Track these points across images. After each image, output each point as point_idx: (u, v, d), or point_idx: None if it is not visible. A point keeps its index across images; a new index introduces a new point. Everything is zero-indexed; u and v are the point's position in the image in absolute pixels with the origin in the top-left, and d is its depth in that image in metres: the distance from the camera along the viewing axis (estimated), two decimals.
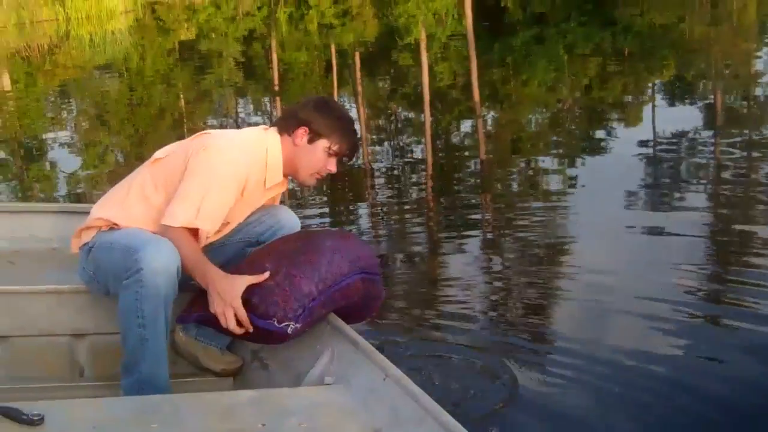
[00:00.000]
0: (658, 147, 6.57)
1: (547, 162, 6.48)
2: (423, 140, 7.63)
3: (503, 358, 3.23)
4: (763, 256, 4.13)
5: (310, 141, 2.68)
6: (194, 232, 2.56)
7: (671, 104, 8.39)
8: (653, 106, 8.29)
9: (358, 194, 5.95)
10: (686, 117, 7.46)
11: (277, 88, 11.79)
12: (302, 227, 2.93)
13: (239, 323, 2.46)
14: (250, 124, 8.74)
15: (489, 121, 8.50)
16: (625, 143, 6.60)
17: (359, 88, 10.81)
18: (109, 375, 2.69)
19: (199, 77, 12.85)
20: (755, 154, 6.11)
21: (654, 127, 7.26)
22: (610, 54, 11.84)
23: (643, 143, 6.59)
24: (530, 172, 6.28)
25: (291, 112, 2.76)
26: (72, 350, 2.78)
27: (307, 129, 2.67)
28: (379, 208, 5.58)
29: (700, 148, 6.46)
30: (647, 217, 4.91)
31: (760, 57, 10.55)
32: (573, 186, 5.72)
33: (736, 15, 15.04)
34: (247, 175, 2.63)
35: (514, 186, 6.03)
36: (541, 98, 9.36)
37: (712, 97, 8.58)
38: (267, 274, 2.47)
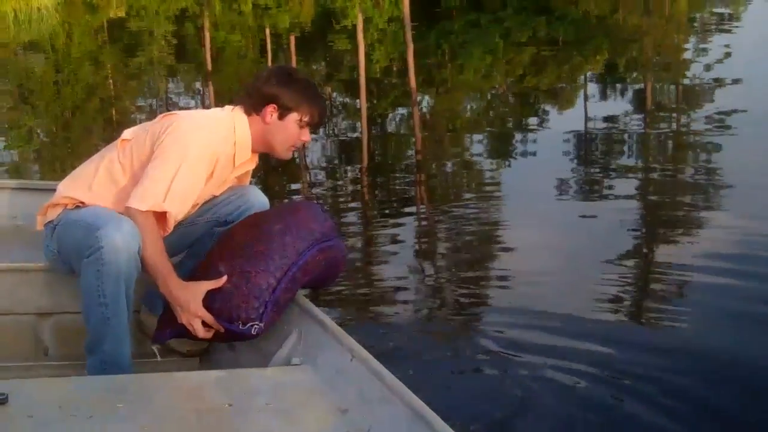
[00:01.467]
0: (590, 134, 6.65)
1: (481, 148, 6.52)
2: (359, 126, 7.55)
3: (441, 341, 3.27)
4: (693, 242, 4.20)
5: (281, 117, 2.64)
6: (162, 216, 2.51)
7: (603, 92, 8.49)
8: (585, 94, 8.37)
9: (293, 182, 5.84)
10: (618, 104, 7.60)
11: (209, 69, 11.55)
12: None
13: (209, 328, 2.46)
14: (181, 107, 8.57)
15: (425, 107, 8.46)
16: (558, 129, 6.68)
17: None
18: (74, 354, 2.64)
19: (129, 57, 12.52)
20: (683, 140, 6.25)
21: (586, 114, 7.34)
22: (545, 42, 11.92)
23: (575, 130, 6.67)
24: (465, 159, 6.28)
25: (254, 90, 2.68)
26: (36, 329, 2.74)
27: (275, 106, 2.63)
28: (315, 197, 5.48)
29: (631, 134, 6.56)
30: (579, 203, 4.99)
31: (689, 47, 10.75)
32: (507, 173, 5.77)
33: (668, 6, 15.32)
34: (217, 155, 2.59)
35: (450, 173, 6.01)
36: (477, 85, 9.37)
37: (643, 85, 8.70)
38: (224, 278, 2.45)
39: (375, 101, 8.72)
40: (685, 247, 4.14)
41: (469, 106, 8.44)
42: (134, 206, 2.47)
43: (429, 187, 5.57)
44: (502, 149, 6.43)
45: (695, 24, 13.10)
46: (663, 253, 4.14)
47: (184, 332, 2.53)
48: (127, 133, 2.66)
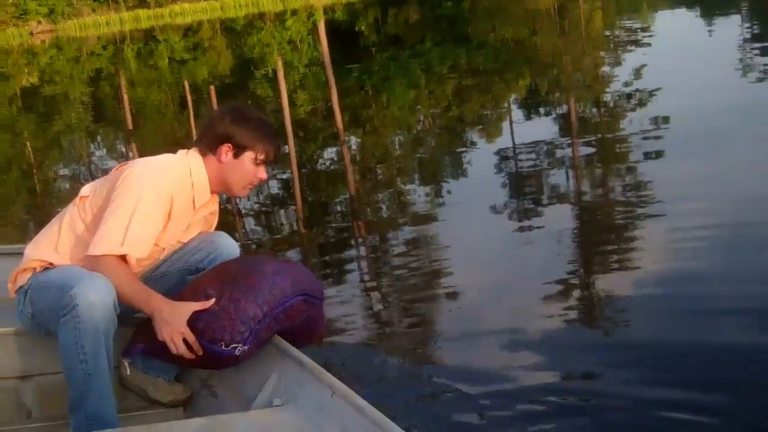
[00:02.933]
0: (519, 158, 6.64)
1: (413, 180, 6.48)
2: (289, 171, 7.41)
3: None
4: (627, 257, 4.24)
5: (236, 156, 2.68)
6: (124, 260, 2.53)
7: (528, 116, 8.52)
8: (510, 120, 8.40)
9: (226, 228, 5.63)
10: (543, 127, 7.61)
11: (130, 128, 11.30)
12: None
13: (188, 348, 2.46)
14: (105, 170, 8.33)
15: (354, 146, 8.38)
16: (487, 157, 6.67)
17: None
18: (57, 415, 2.66)
19: (46, 124, 12.19)
20: (610, 157, 6.29)
21: (513, 140, 7.34)
22: (466, 71, 12.00)
23: (503, 156, 6.68)
24: (398, 192, 6.22)
25: (208, 130, 2.71)
26: (18, 393, 2.76)
27: (230, 145, 2.66)
28: (250, 248, 5.31)
29: (559, 155, 6.56)
30: (513, 226, 5.00)
31: (609, 63, 10.94)
32: (440, 202, 5.78)
33: (583, 25, 15.65)
34: (171, 195, 2.60)
35: (385, 210, 5.93)
36: (403, 119, 9.34)
37: (566, 106, 8.77)
38: (212, 301, 2.47)
39: (303, 144, 8.60)
40: (622, 258, 4.19)
41: (397, 141, 8.38)
42: (93, 253, 2.50)
43: (366, 227, 5.49)
44: (433, 180, 6.41)
45: (613, 39, 13.37)
46: (600, 266, 4.19)
47: (157, 351, 2.55)
48: (84, 190, 2.71)
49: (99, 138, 11.27)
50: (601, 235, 4.65)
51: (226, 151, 2.66)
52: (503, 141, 7.44)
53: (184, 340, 2.45)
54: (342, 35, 17.87)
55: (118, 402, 2.54)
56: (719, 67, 8.79)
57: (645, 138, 6.43)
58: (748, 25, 12.54)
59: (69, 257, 2.63)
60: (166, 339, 2.45)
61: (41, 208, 7.26)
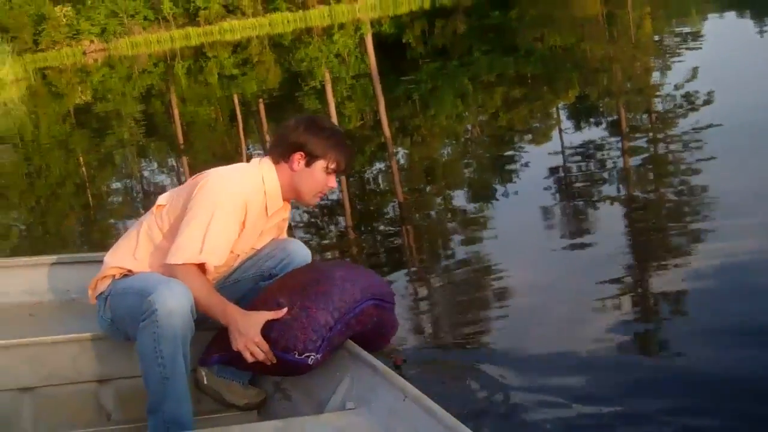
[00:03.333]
0: (569, 166, 6.54)
1: (463, 191, 6.42)
2: (338, 182, 7.42)
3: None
4: (681, 262, 4.14)
5: (308, 164, 2.74)
6: (202, 267, 2.59)
7: (578, 124, 8.41)
8: (560, 128, 8.29)
9: None
10: (594, 134, 7.50)
11: (182, 143, 11.44)
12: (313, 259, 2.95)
13: (262, 358, 2.53)
14: (157, 185, 8.44)
15: (402, 158, 8.36)
16: (537, 165, 6.59)
17: (266, 136, 10.56)
18: (136, 418, 2.74)
19: (99, 140, 12.40)
20: (662, 161, 6.18)
21: (563, 148, 7.24)
22: (515, 80, 11.91)
23: (554, 164, 6.58)
24: (449, 204, 6.16)
25: (282, 138, 2.78)
26: (98, 396, 2.85)
27: (302, 153, 2.73)
28: None
29: (610, 162, 6.44)
30: (567, 236, 4.90)
31: (659, 69, 10.76)
32: (491, 213, 5.70)
33: (633, 30, 15.44)
34: (247, 204, 2.67)
35: (435, 219, 5.89)
36: (451, 129, 9.29)
37: (616, 113, 8.64)
38: (284, 310, 2.52)
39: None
40: (677, 270, 4.04)
41: (445, 152, 8.34)
42: (172, 262, 2.57)
43: (416, 235, 5.47)
44: (483, 191, 6.33)
45: (663, 45, 13.17)
46: (656, 278, 4.05)
47: (232, 360, 2.61)
48: (161, 199, 2.79)
49: (150, 154, 11.42)
50: (656, 245, 4.52)
51: (298, 160, 2.72)
52: (553, 149, 7.35)
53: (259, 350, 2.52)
54: (389, 48, 17.90)
55: (193, 405, 2.60)
56: None
57: (697, 143, 6.30)
58: None
59: (147, 264, 2.71)
60: (241, 349, 2.52)
61: (95, 221, 7.38)
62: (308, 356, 2.47)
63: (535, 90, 10.92)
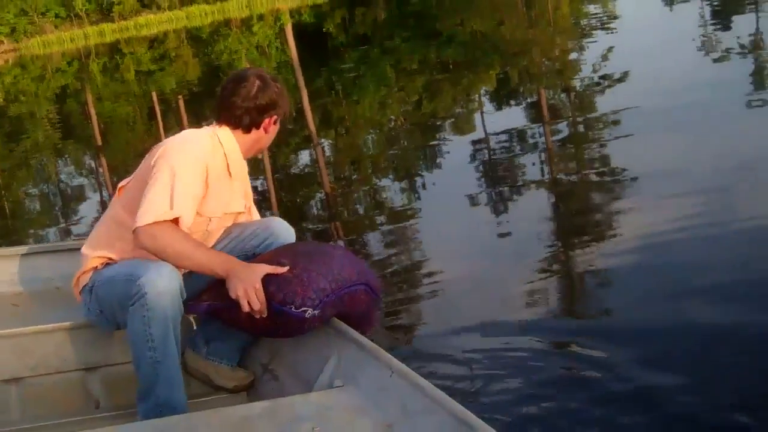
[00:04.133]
0: (493, 149, 6.59)
1: (389, 178, 6.40)
2: (263, 176, 7.30)
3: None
4: (603, 239, 4.26)
5: (275, 122, 2.78)
6: (177, 224, 2.53)
7: (500, 107, 8.47)
8: (482, 113, 8.33)
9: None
10: (516, 117, 7.56)
11: (99, 143, 11.12)
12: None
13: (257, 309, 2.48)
14: (73, 187, 8.17)
15: (327, 148, 8.28)
16: (461, 149, 6.62)
17: None
18: (124, 404, 2.74)
19: (13, 144, 11.98)
20: (582, 143, 6.27)
21: (486, 132, 7.28)
22: (437, 66, 11.93)
23: (477, 148, 6.62)
24: (375, 191, 6.14)
25: (246, 109, 2.70)
26: (85, 384, 2.84)
27: (274, 116, 2.75)
28: None
29: (532, 144, 6.52)
30: (492, 218, 4.97)
31: (579, 50, 10.91)
32: (417, 197, 5.73)
33: (551, 14, 15.62)
34: (206, 163, 2.62)
35: (362, 210, 5.85)
36: (375, 118, 9.25)
37: (537, 97, 8.72)
38: (286, 268, 2.50)
39: (275, 149, 8.48)
40: (600, 246, 4.17)
41: (370, 140, 8.29)
42: (142, 223, 2.47)
43: (344, 223, 5.44)
44: (409, 176, 6.33)
45: (580, 27, 13.36)
46: (580, 250, 4.16)
47: (221, 311, 2.57)
48: (122, 182, 2.77)
49: (68, 156, 11.07)
50: (580, 222, 4.62)
51: (272, 122, 2.76)
52: (476, 134, 7.39)
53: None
54: (310, 37, 17.74)
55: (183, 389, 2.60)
56: (682, 48, 8.80)
57: (615, 123, 6.41)
58: (708, 4, 12.58)
59: (124, 249, 2.66)
60: (240, 296, 2.45)
61: (11, 230, 7.11)
62: (305, 310, 2.45)
63: (457, 75, 10.95)
